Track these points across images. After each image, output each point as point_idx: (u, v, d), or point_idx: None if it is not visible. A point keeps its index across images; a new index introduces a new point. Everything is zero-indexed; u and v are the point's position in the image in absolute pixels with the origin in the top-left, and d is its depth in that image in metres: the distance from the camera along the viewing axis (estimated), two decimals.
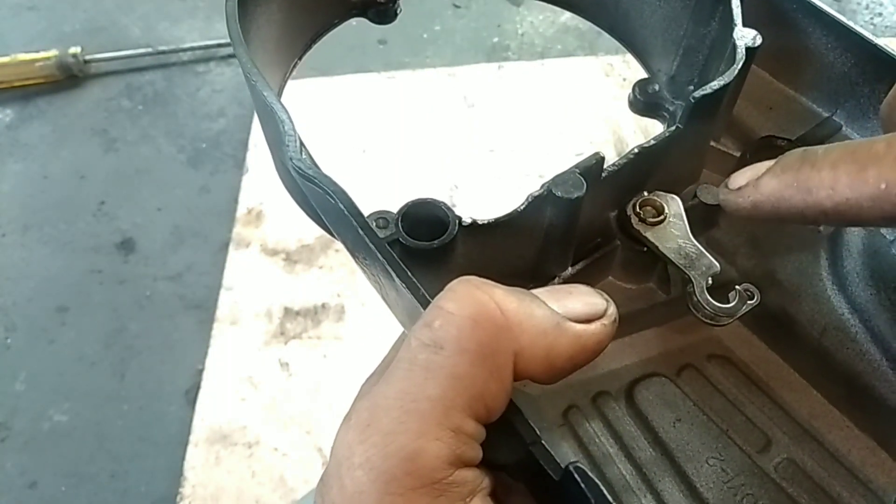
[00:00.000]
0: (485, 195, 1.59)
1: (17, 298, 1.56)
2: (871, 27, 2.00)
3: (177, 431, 1.34)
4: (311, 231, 1.55)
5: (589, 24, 0.56)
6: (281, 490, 1.26)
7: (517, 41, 1.99)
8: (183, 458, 1.30)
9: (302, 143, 0.37)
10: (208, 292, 1.52)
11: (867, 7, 2.07)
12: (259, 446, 1.31)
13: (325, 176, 0.35)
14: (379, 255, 0.33)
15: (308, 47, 0.52)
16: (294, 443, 1.31)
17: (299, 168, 0.35)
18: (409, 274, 0.33)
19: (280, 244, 1.56)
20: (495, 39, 2.00)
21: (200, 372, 1.40)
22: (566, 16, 1.99)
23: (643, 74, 0.53)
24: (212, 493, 1.27)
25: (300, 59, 0.51)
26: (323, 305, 1.48)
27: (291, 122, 0.37)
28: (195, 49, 1.99)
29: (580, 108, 1.75)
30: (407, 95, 1.83)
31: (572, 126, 1.72)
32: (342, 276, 1.51)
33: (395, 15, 0.55)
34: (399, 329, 0.42)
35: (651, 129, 1.72)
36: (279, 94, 0.47)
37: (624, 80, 1.79)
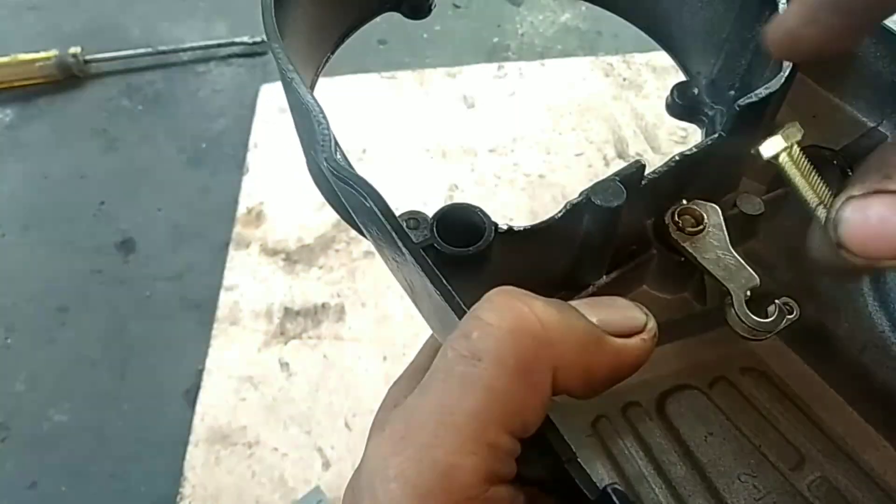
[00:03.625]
0: (485, 195, 1.58)
1: (17, 298, 1.55)
2: None
3: (177, 431, 1.33)
4: (311, 231, 1.54)
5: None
6: (281, 490, 1.25)
7: (517, 41, 1.99)
8: (183, 458, 1.30)
9: (337, 143, 0.36)
10: (208, 292, 1.51)
11: None
12: (259, 446, 1.31)
13: (360, 177, 0.34)
14: (414, 261, 0.32)
15: (340, 43, 0.50)
16: (294, 443, 1.31)
17: (334, 169, 0.35)
18: (445, 282, 0.32)
19: (280, 244, 1.56)
20: (495, 39, 2.00)
21: (200, 372, 1.40)
22: (566, 16, 1.98)
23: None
24: (212, 494, 1.26)
25: (332, 54, 0.50)
26: (323, 305, 1.47)
27: (327, 121, 0.36)
28: (195, 49, 1.98)
29: (580, 108, 1.75)
30: (407, 95, 1.82)
31: (572, 126, 1.72)
32: (342, 276, 1.51)
33: (430, 10, 0.53)
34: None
35: (652, 130, 1.72)
36: (311, 91, 0.47)
37: (624, 80, 1.79)
